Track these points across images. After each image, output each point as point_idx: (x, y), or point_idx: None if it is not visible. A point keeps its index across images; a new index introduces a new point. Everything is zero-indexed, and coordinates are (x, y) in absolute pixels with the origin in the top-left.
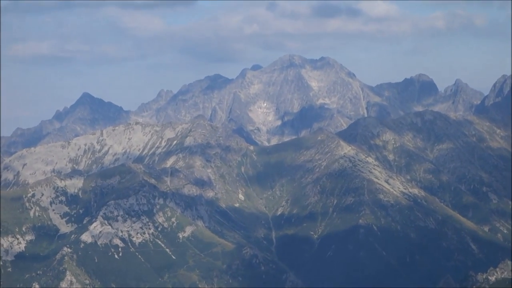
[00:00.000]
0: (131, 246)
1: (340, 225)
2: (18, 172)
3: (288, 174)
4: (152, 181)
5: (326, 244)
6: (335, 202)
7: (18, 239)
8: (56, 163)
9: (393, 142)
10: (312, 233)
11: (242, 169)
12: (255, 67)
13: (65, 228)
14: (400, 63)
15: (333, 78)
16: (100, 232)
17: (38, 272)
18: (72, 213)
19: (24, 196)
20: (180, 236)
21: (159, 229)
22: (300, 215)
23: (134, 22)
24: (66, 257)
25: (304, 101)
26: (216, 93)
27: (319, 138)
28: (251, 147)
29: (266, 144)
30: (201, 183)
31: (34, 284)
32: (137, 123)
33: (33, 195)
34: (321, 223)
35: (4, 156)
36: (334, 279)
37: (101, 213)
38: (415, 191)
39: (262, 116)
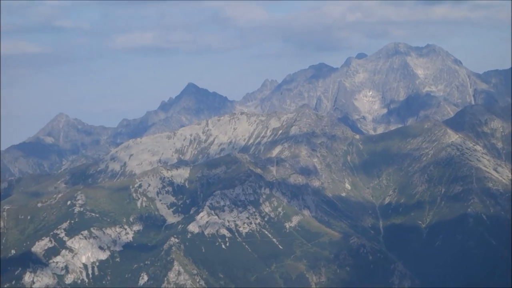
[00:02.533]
0: (238, 236)
1: (448, 214)
2: (125, 162)
3: (395, 162)
4: (258, 170)
5: (434, 233)
6: (443, 191)
7: (125, 229)
8: (162, 153)
9: (501, 130)
10: (420, 222)
11: (348, 158)
12: (360, 56)
13: (172, 218)
14: (507, 49)
15: (439, 66)
16: (207, 222)
17: (146, 262)
18: (179, 203)
19: (131, 186)
20: (287, 226)
21: (266, 219)
22: (408, 204)
23: (236, 12)
24: (173, 247)
25: (410, 89)
26: (321, 82)
27: (425, 126)
28: (357, 136)
29: (372, 132)
30: (307, 172)
31: (142, 274)
32: (242, 113)
33: (140, 186)
34: (429, 212)
35: (111, 146)
36: (442, 269)
37: (207, 203)
38: None
39: (368, 105)
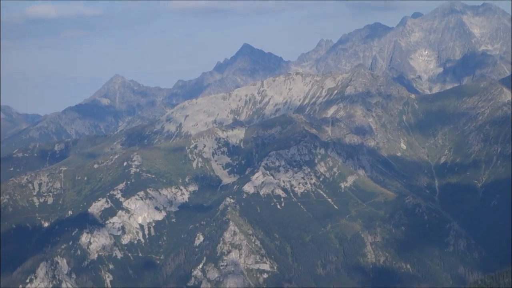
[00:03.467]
0: (293, 196)
1: (504, 174)
2: (181, 123)
3: (451, 122)
4: (313, 131)
5: (490, 192)
6: (499, 150)
7: (181, 190)
8: (218, 114)
9: None
10: (475, 181)
11: (404, 118)
12: (416, 15)
13: (227, 178)
14: None
15: (495, 24)
16: (262, 182)
17: (202, 222)
18: (234, 164)
19: (186, 147)
20: (342, 186)
21: (321, 179)
22: (463, 163)
23: None
24: (229, 208)
25: (466, 48)
26: (376, 41)
27: (481, 85)
28: (412, 96)
29: (427, 92)
30: (362, 132)
31: (198, 234)
32: (297, 73)
33: (196, 146)
34: (485, 171)
35: (166, 107)
36: (498, 229)
37: (262, 164)
38: None
39: (423, 64)
